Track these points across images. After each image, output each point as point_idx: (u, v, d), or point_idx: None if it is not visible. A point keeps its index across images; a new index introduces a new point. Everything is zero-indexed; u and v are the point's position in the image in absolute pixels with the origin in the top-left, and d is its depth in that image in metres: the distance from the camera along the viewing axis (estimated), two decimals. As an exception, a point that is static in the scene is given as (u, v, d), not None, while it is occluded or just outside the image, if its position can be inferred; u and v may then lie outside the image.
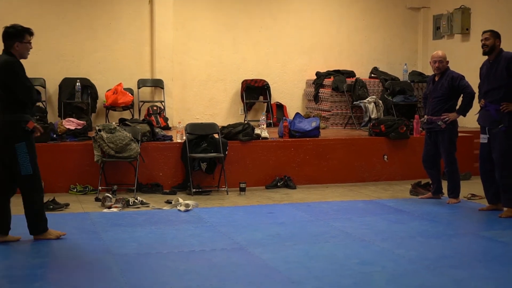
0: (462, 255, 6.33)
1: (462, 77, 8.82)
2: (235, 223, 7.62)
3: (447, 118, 8.74)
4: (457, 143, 11.40)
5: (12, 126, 6.32)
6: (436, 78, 8.93)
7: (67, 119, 10.28)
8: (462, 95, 8.84)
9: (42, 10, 12.36)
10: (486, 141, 8.14)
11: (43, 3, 12.39)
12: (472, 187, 9.94)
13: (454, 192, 8.93)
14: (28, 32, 6.44)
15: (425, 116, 9.07)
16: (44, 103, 12.03)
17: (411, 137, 11.10)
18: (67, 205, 8.49)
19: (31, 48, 6.53)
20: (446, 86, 8.76)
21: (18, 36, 6.39)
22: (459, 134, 11.69)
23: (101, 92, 12.42)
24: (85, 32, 12.61)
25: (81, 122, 10.14)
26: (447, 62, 8.89)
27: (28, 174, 6.44)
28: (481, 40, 8.12)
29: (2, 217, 6.59)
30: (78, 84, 11.95)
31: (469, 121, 12.78)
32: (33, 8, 12.29)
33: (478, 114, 8.37)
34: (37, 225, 6.63)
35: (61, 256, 6.17)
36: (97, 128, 9.54)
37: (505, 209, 8.03)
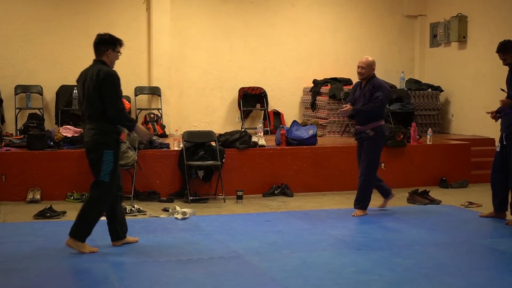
0: (460, 263, 6.32)
1: (381, 89, 8.35)
2: (232, 231, 7.61)
3: (340, 110, 8.60)
4: (455, 150, 11.52)
5: (105, 134, 6.44)
6: (363, 85, 8.57)
7: (64, 126, 10.28)
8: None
9: (39, 16, 12.36)
10: (498, 149, 8.10)
11: (40, 10, 12.39)
12: (470, 194, 9.95)
13: (362, 202, 8.53)
14: (120, 42, 6.63)
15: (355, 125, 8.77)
16: (41, 110, 12.02)
17: (408, 145, 11.12)
18: (64, 213, 8.47)
19: (117, 59, 6.67)
20: (368, 95, 8.37)
21: (112, 43, 6.58)
22: (456, 142, 11.80)
23: (98, 100, 12.39)
24: (82, 39, 12.56)
25: (78, 129, 10.13)
26: (373, 69, 8.47)
27: (105, 181, 6.46)
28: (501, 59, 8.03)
29: (113, 224, 6.72)
30: (75, 91, 11.93)
31: (466, 129, 12.84)
32: (30, 15, 12.30)
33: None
34: (83, 233, 6.51)
35: (58, 264, 6.14)
36: (94, 135, 9.52)
37: None
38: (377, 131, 8.41)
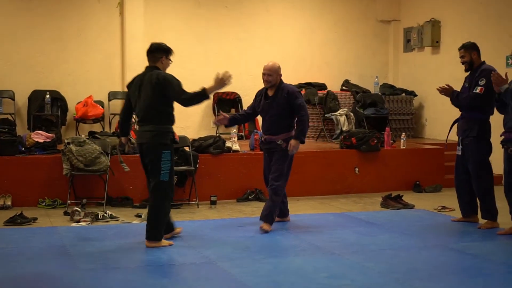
0: (432, 267, 6.33)
1: (298, 95, 7.87)
2: (205, 236, 7.56)
3: (292, 149, 7.74)
4: (428, 155, 11.58)
5: (164, 135, 6.81)
6: (270, 93, 7.91)
7: (36, 132, 10.17)
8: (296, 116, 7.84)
9: (11, 21, 12.23)
10: (460, 153, 8.15)
11: (12, 14, 12.25)
12: (443, 199, 9.99)
13: (267, 216, 7.81)
14: (171, 51, 7.06)
15: (263, 135, 8.04)
16: (13, 115, 11.90)
17: (382, 149, 11.15)
18: (35, 219, 8.37)
19: (168, 66, 7.07)
20: (283, 103, 7.75)
21: (166, 51, 7.00)
22: (430, 146, 11.86)
23: (71, 105, 12.30)
24: (55, 44, 12.50)
25: (50, 135, 10.04)
26: (280, 74, 7.83)
27: (165, 180, 6.80)
28: (460, 57, 8.09)
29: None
30: (47, 96, 11.84)
31: (440, 134, 12.89)
32: (1, 19, 12.17)
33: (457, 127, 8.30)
34: (158, 232, 6.90)
35: (28, 271, 6.07)
36: (66, 141, 9.45)
37: (484, 221, 8.06)
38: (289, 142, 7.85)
